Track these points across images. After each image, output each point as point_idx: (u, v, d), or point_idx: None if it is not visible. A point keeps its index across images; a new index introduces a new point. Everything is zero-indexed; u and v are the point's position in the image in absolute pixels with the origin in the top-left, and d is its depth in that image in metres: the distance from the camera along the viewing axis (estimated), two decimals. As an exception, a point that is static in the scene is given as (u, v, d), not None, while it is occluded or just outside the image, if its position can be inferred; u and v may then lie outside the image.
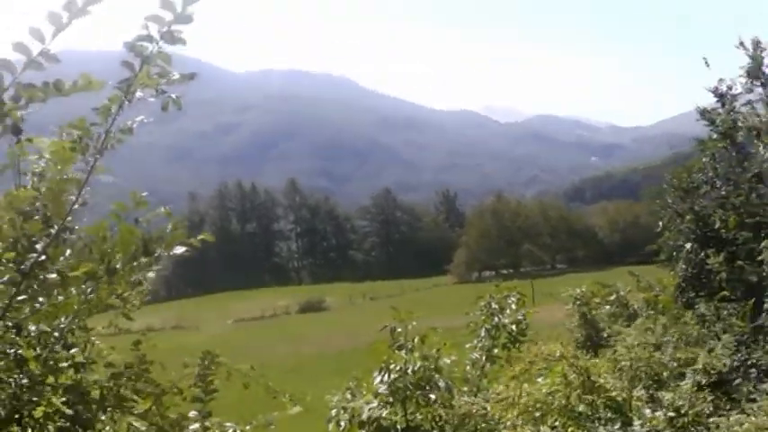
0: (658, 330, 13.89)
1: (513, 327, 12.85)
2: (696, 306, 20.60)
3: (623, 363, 10.16)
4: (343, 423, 9.95)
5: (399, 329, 10.67)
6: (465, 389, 10.87)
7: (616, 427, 8.45)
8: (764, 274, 27.71)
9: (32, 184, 5.82)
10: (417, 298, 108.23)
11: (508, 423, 9.20)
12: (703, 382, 11.07)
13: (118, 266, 4.52)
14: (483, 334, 12.69)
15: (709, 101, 27.36)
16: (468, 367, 11.91)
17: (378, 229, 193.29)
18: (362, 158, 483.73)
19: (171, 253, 4.58)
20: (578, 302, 17.10)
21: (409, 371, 10.11)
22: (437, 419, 10.02)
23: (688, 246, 32.17)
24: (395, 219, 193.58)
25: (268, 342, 67.51)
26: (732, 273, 30.06)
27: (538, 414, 9.05)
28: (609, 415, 8.57)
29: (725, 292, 19.86)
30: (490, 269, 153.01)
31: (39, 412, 4.97)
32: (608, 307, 17.81)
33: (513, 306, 13.11)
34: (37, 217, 4.54)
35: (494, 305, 13.12)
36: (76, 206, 4.50)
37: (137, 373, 5.00)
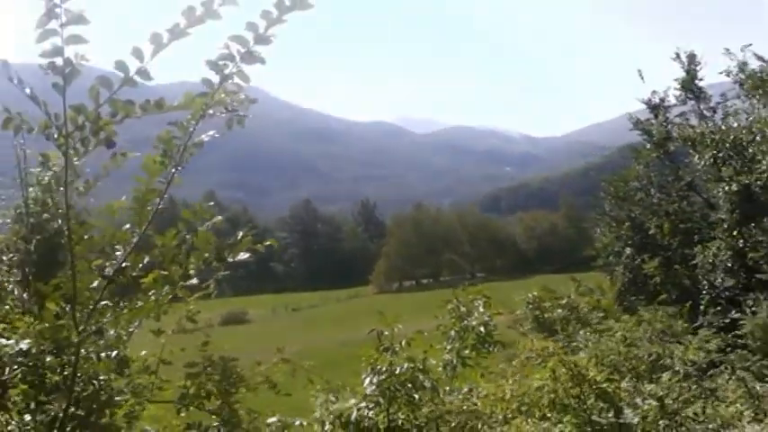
0: (643, 327, 14.56)
1: (482, 328, 13.38)
2: (638, 309, 21.32)
3: (611, 357, 10.74)
4: (328, 424, 10.26)
5: (386, 333, 11.12)
6: (447, 388, 11.30)
7: (609, 415, 8.99)
8: (699, 277, 28.91)
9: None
10: (340, 308, 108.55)
11: (499, 417, 9.66)
12: (681, 373, 11.81)
13: (192, 272, 4.85)
14: (453, 336, 13.16)
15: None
16: (440, 368, 12.31)
17: (297, 240, 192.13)
18: (278, 170, 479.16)
19: (236, 258, 4.92)
20: (531, 306, 17.65)
21: (397, 371, 10.51)
22: (418, 418, 10.41)
23: (628, 251, 33.41)
24: (315, 230, 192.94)
25: (194, 355, 67.09)
26: (667, 277, 31.33)
27: (525, 408, 9.52)
28: (600, 404, 9.10)
29: (663, 296, 20.58)
30: (410, 279, 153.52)
31: (122, 411, 5.26)
32: (560, 310, 18.39)
33: (481, 309, 13.64)
34: (128, 225, 4.81)
35: (461, 308, 13.62)
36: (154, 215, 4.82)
37: (222, 372, 5.31)
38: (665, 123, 34.45)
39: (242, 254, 5.00)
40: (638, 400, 9.47)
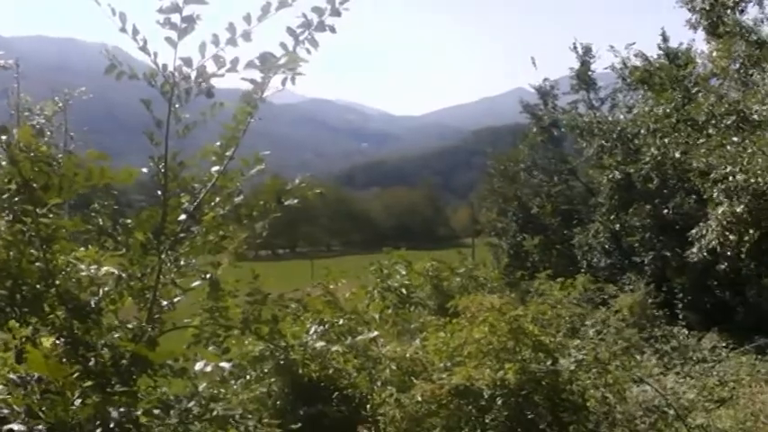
0: (575, 292, 15.92)
1: (403, 290, 14.50)
2: (525, 281, 22.77)
3: (548, 314, 11.88)
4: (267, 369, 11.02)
5: (332, 286, 12.07)
6: (382, 340, 12.25)
7: (548, 363, 10.17)
8: (577, 257, 30.90)
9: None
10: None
11: (440, 366, 10.66)
12: (603, 331, 13.25)
13: (255, 213, 5.61)
14: (376, 296, 14.21)
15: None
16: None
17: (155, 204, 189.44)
18: (132, 133, 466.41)
19: (287, 203, 5.68)
20: (430, 274, 18.63)
21: (340, 322, 11.45)
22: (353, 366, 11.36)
23: (514, 227, 35.37)
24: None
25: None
26: (544, 254, 33.34)
27: (461, 359, 10.55)
28: (537, 355, 10.24)
29: (545, 272, 22.02)
30: (267, 249, 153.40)
31: (191, 332, 5.96)
32: (458, 279, 19.40)
33: (403, 272, 14.75)
34: (216, 168, 5.47)
35: (384, 271, 14.69)
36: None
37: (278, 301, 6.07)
38: (553, 110, 36.63)
39: (292, 199, 5.67)
40: (573, 351, 10.63)
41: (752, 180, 18.27)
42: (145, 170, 5.08)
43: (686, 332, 21.10)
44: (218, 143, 5.45)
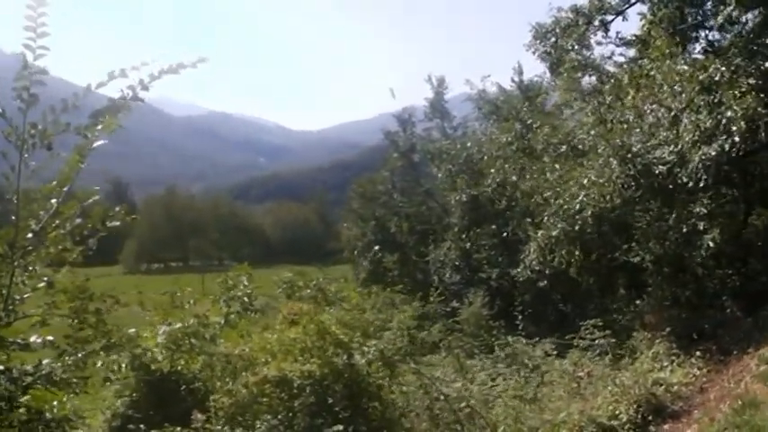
0: (372, 299, 18.05)
1: (246, 298, 16.58)
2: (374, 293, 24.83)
3: (348, 318, 13.95)
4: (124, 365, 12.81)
5: (179, 293, 14.10)
6: (222, 340, 14.20)
7: (345, 358, 12.44)
8: (431, 272, 33.39)
9: None
10: (93, 285, 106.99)
11: (262, 360, 12.74)
12: (398, 334, 15.45)
13: (86, 232, 7.58)
14: (222, 303, 16.23)
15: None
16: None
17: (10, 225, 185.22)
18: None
19: (110, 224, 7.61)
20: (285, 286, 20.44)
21: (185, 324, 13.44)
22: (196, 364, 13.32)
23: (376, 247, 37.70)
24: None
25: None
26: (402, 270, 35.79)
27: (280, 355, 12.65)
28: (337, 351, 12.47)
29: (399, 286, 24.05)
30: (159, 261, 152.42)
31: (33, 320, 7.92)
32: (308, 291, 21.22)
33: (246, 282, 16.82)
34: (54, 200, 7.43)
35: (230, 281, 16.72)
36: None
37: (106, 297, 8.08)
38: (411, 136, 39.44)
39: (115, 221, 7.58)
40: (366, 349, 12.87)
41: (565, 206, 20.37)
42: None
43: (524, 341, 22.55)
44: (54, 182, 7.27)
